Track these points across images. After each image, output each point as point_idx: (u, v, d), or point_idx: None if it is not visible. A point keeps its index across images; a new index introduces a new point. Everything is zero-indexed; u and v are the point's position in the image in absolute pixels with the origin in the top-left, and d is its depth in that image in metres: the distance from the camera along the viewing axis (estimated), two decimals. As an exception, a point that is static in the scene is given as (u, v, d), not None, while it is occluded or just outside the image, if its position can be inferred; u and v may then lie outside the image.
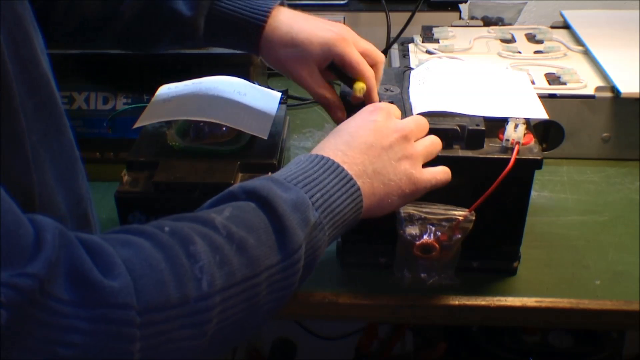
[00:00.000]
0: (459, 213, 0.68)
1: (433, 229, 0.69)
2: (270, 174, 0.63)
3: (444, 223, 0.68)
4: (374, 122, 0.65)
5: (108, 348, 0.42)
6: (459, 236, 0.69)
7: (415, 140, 0.67)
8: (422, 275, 0.71)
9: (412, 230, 0.69)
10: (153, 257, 0.46)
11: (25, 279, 0.39)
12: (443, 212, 0.69)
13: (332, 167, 0.60)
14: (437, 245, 0.69)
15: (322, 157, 0.61)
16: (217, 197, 0.57)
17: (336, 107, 0.75)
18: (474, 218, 0.68)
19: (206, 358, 0.51)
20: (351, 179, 0.60)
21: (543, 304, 0.74)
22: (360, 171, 0.61)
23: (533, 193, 0.80)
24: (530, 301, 0.74)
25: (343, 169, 0.60)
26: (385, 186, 0.63)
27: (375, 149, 0.63)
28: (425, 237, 0.69)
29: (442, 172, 0.67)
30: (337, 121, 0.74)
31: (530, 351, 1.27)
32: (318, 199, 0.57)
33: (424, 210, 0.69)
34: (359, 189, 0.60)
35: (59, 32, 0.77)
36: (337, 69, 0.74)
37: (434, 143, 0.68)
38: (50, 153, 0.53)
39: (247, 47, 0.77)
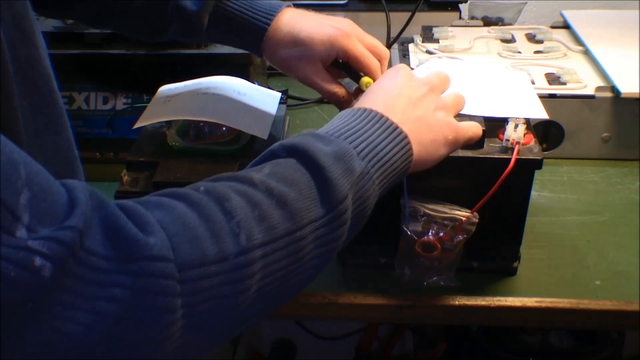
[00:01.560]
0: (462, 214, 0.68)
1: (436, 227, 0.69)
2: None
3: (446, 222, 0.68)
4: (402, 77, 0.65)
5: (151, 302, 0.42)
6: (461, 238, 0.69)
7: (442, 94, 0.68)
8: (422, 273, 0.71)
9: (415, 227, 0.69)
10: (186, 215, 0.46)
11: (66, 232, 0.39)
12: (447, 210, 0.69)
13: (375, 118, 0.59)
14: (438, 245, 0.69)
15: (364, 110, 0.60)
16: (259, 158, 0.56)
17: (346, 102, 0.75)
18: (477, 220, 0.68)
19: (252, 317, 0.50)
20: (396, 127, 0.60)
21: (543, 304, 0.74)
22: (403, 119, 0.61)
23: (533, 193, 0.80)
24: (530, 301, 0.74)
25: (387, 119, 0.60)
26: (430, 132, 0.63)
27: (411, 99, 0.63)
28: (427, 235, 0.69)
29: (476, 125, 0.68)
30: None
31: (530, 351, 1.27)
32: (363, 148, 0.56)
33: (429, 207, 0.69)
34: (406, 136, 0.60)
35: (70, 12, 0.78)
36: (344, 65, 0.74)
37: (458, 96, 0.69)
38: (43, 152, 0.53)
39: (249, 48, 0.78)
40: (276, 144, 0.56)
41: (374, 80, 0.73)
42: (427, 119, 0.63)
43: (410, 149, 0.60)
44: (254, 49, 0.76)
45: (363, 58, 0.73)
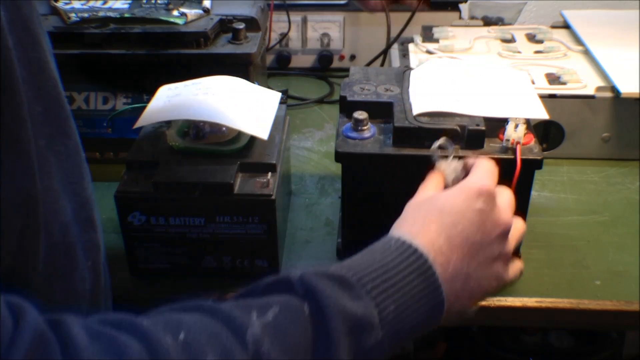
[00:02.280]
0: None
1: None
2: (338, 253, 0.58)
3: None
4: (479, 213, 0.56)
5: None
6: None
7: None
8: None
9: None
10: None
11: None
12: None
13: (423, 272, 0.51)
14: None
15: (416, 255, 0.52)
16: (272, 280, 0.49)
17: None
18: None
19: None
20: (438, 288, 0.51)
21: (543, 304, 0.74)
22: (451, 275, 0.53)
23: (533, 193, 0.80)
24: (530, 301, 0.74)
25: (435, 277, 0.51)
26: (472, 291, 0.55)
27: (475, 246, 0.55)
28: None
29: (520, 269, 0.61)
30: None
31: (530, 351, 1.27)
32: (390, 313, 0.49)
33: None
34: (443, 301, 0.51)
35: None
36: None
37: (521, 231, 0.62)
38: (56, 157, 0.52)
39: None
40: (297, 274, 0.48)
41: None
42: (478, 275, 0.55)
43: (441, 315, 0.52)
44: None
45: None
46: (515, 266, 0.61)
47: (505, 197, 0.60)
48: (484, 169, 0.60)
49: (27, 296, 0.42)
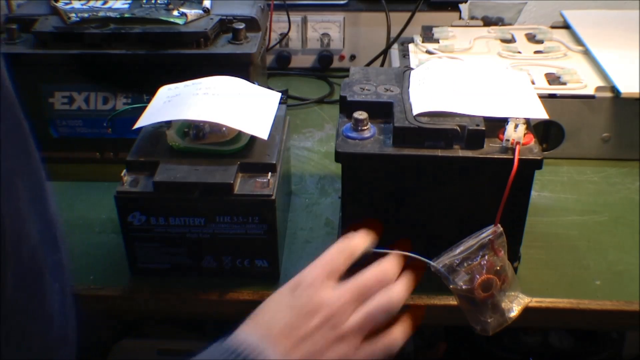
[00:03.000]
0: (487, 234, 0.68)
1: (475, 262, 0.68)
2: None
3: (481, 252, 0.68)
4: (296, 300, 0.58)
5: None
6: (502, 253, 0.69)
7: (356, 308, 0.59)
8: (502, 306, 0.70)
9: (461, 279, 0.67)
10: None
11: None
12: (473, 242, 0.68)
13: None
14: (492, 276, 0.68)
15: (240, 353, 0.53)
16: None
17: None
18: (501, 229, 0.68)
19: None
20: None
21: (543, 304, 0.74)
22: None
23: (533, 193, 0.80)
24: (530, 301, 0.74)
25: None
26: None
27: (299, 331, 0.55)
28: (475, 276, 0.68)
29: (387, 340, 0.60)
30: None
31: (530, 351, 1.27)
32: None
33: (456, 253, 0.68)
34: None
35: None
36: None
37: (388, 303, 0.60)
38: (21, 178, 0.50)
39: None
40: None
41: None
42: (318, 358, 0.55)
43: None
44: None
45: None
46: (376, 343, 0.59)
47: (342, 290, 0.59)
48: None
49: None
